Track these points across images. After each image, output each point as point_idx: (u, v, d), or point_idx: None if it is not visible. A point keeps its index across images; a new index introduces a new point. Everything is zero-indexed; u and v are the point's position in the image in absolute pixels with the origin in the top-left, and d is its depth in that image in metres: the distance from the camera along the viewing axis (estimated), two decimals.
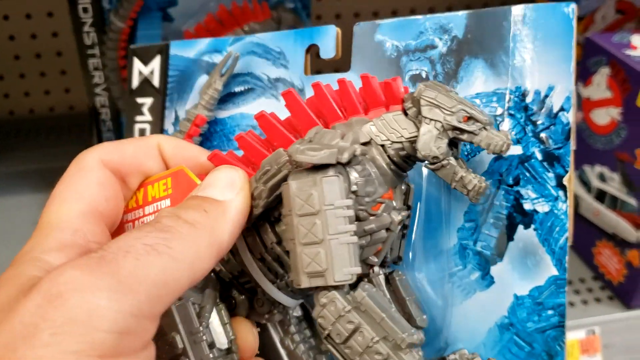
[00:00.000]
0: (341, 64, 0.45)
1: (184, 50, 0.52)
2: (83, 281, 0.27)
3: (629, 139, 0.76)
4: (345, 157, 0.33)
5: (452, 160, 0.35)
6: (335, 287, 0.33)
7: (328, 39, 0.46)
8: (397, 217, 0.36)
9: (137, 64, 0.53)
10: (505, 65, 0.38)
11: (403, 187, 0.38)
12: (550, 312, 0.37)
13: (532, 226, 0.38)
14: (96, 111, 0.90)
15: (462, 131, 0.34)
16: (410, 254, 0.41)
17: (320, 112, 0.38)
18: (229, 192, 0.34)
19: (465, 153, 0.39)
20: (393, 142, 0.36)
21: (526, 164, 0.38)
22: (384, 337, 0.32)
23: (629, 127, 0.76)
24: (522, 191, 0.38)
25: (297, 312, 0.44)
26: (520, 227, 0.38)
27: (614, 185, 0.79)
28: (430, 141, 0.34)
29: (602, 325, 0.80)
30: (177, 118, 0.53)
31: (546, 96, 0.38)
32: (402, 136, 0.35)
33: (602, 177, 0.81)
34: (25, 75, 1.12)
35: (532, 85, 0.38)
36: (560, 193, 0.37)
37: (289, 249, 0.34)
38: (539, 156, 0.38)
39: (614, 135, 0.78)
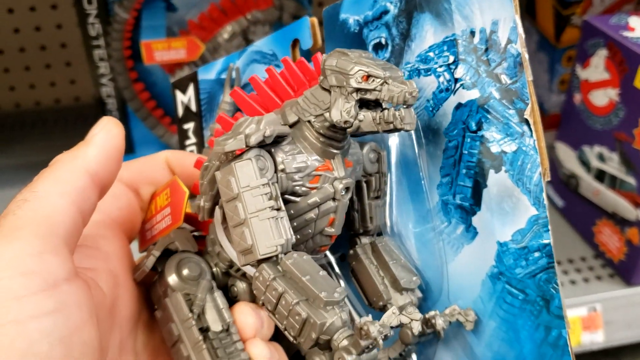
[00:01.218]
0: (324, 50, 0.48)
1: (207, 74, 0.57)
2: None
3: (627, 119, 0.79)
4: (253, 141, 0.35)
5: (362, 113, 0.37)
6: (265, 260, 0.36)
7: (306, 31, 0.49)
8: (340, 185, 0.39)
9: (179, 95, 0.59)
10: (448, 12, 0.39)
11: (371, 154, 0.42)
12: (536, 254, 0.37)
13: (503, 168, 0.37)
14: (102, 101, 0.93)
15: (365, 90, 0.36)
16: (401, 219, 0.44)
17: (264, 102, 0.42)
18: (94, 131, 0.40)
19: (430, 108, 0.41)
20: (316, 116, 0.38)
21: (486, 106, 0.38)
22: (306, 299, 0.35)
23: (627, 107, 0.79)
24: (487, 134, 0.38)
25: None
26: (492, 172, 0.38)
27: (613, 165, 0.82)
28: (339, 107, 0.36)
29: (604, 302, 0.83)
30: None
31: (492, 32, 0.38)
32: (320, 108, 0.38)
33: (601, 157, 0.84)
34: (31, 68, 1.15)
35: (477, 24, 0.38)
36: (525, 128, 0.37)
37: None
38: (496, 95, 0.38)
39: (612, 116, 0.81)
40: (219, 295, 0.42)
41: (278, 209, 0.36)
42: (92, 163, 0.38)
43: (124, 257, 0.43)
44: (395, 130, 0.37)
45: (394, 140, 0.44)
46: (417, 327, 0.39)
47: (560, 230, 0.93)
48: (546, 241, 0.37)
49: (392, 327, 0.37)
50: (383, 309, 0.42)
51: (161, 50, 0.89)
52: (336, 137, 0.38)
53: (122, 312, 0.41)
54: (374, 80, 0.36)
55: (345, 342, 0.34)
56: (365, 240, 0.44)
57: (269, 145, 0.37)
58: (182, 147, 0.60)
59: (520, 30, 0.37)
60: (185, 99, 0.58)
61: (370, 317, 0.33)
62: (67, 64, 1.15)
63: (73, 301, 0.34)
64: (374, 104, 0.37)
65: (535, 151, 0.37)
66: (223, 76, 0.56)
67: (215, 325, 0.41)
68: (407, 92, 0.35)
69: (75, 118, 1.16)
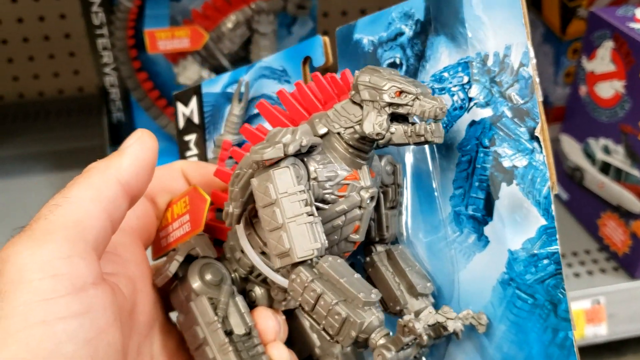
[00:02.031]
0: (336, 68, 0.50)
1: (211, 87, 0.58)
2: (9, 253, 0.34)
3: (633, 111, 0.80)
4: (291, 150, 0.37)
5: (394, 126, 0.38)
6: (301, 263, 0.37)
7: (317, 49, 0.51)
8: (366, 194, 0.40)
9: (180, 107, 0.60)
10: (463, 36, 0.41)
11: (387, 167, 0.43)
12: (545, 261, 0.39)
13: (514, 182, 0.40)
14: (106, 91, 0.93)
15: (398, 105, 0.38)
16: (413, 229, 0.45)
17: (291, 115, 0.44)
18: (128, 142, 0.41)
19: (444, 125, 0.42)
20: (346, 128, 0.40)
21: (498, 124, 0.40)
22: (344, 299, 0.36)
23: (633, 99, 0.79)
24: (499, 150, 0.40)
25: None
26: (504, 185, 0.40)
27: (618, 158, 0.82)
28: (371, 120, 0.38)
29: (607, 296, 0.84)
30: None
31: (505, 56, 0.40)
32: (351, 121, 0.39)
33: (606, 150, 0.84)
34: (34, 58, 1.16)
35: (491, 48, 0.40)
36: (535, 145, 0.39)
37: (264, 237, 0.40)
38: (508, 114, 0.40)
39: (618, 108, 0.81)
40: (240, 300, 0.43)
41: (312, 215, 0.37)
42: (125, 173, 0.39)
43: (141, 264, 0.44)
44: (425, 142, 0.39)
45: (408, 155, 0.45)
46: (452, 325, 0.40)
47: (565, 223, 0.94)
48: (554, 249, 0.38)
49: (428, 325, 0.39)
50: (399, 314, 0.43)
51: (165, 40, 0.89)
52: (364, 148, 0.40)
53: (140, 317, 0.42)
54: (406, 95, 0.37)
55: (382, 341, 0.36)
56: (380, 248, 0.45)
57: (302, 154, 0.39)
58: (183, 158, 0.61)
59: (532, 54, 0.39)
60: (187, 111, 0.59)
61: (413, 316, 0.36)
62: (71, 54, 1.16)
63: (99, 304, 0.35)
64: (401, 118, 0.39)
65: (545, 166, 0.39)
66: (229, 90, 0.57)
67: (238, 329, 0.42)
68: (438, 108, 0.37)
69: (78, 108, 1.17)
